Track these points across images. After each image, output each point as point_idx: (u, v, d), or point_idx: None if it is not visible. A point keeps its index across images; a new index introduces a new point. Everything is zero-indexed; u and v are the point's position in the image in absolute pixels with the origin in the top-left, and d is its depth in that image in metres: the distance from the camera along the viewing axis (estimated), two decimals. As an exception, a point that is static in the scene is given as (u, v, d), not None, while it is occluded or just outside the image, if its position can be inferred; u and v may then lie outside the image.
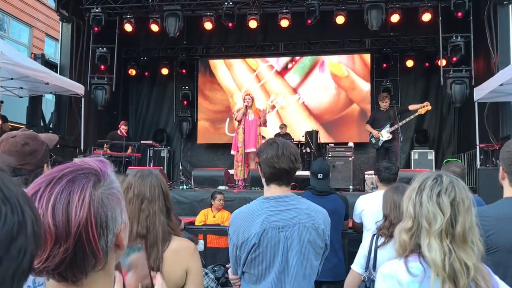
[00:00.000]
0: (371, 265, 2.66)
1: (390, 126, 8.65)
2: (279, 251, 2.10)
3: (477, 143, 8.83)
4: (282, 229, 2.11)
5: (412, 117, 8.86)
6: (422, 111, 8.60)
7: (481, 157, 8.79)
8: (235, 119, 8.69)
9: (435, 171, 1.65)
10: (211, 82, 13.01)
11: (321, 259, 2.22)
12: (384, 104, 8.94)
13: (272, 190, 2.22)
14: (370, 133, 8.98)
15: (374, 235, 2.76)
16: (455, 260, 1.46)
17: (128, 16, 11.05)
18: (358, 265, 2.73)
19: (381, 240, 2.68)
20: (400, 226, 1.64)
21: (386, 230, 2.66)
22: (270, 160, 2.16)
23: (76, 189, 0.84)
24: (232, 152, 8.69)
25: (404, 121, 8.77)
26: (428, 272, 1.50)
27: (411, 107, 8.88)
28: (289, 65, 12.67)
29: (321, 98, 12.39)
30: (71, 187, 0.84)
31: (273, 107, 12.41)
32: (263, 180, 2.27)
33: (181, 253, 1.87)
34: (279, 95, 12.59)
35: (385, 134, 8.70)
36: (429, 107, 8.66)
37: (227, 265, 2.42)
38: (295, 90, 12.57)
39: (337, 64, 12.42)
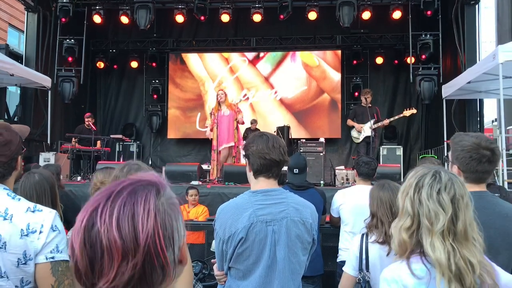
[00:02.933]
0: (364, 265, 2.58)
1: (374, 123, 8.65)
2: (266, 245, 2.06)
3: (445, 139, 9.04)
4: (270, 223, 2.08)
5: (396, 117, 8.95)
6: (407, 114, 8.76)
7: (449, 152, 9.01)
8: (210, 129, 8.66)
9: (430, 167, 1.61)
10: (182, 70, 12.86)
11: (308, 254, 2.20)
12: (365, 100, 8.79)
13: (260, 184, 2.19)
14: (352, 127, 9.03)
15: (363, 234, 2.68)
16: (460, 259, 1.43)
17: (97, 8, 10.79)
18: (350, 267, 2.64)
19: (373, 237, 2.62)
20: (397, 225, 1.59)
21: (375, 227, 2.62)
22: (261, 151, 2.14)
23: (139, 200, 0.79)
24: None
25: (390, 119, 8.87)
26: (433, 273, 1.46)
27: (387, 121, 8.87)
28: (261, 54, 12.66)
29: (293, 87, 12.44)
30: (134, 199, 0.79)
31: (247, 99, 12.37)
32: (249, 174, 2.23)
33: None
34: (252, 89, 12.56)
35: (367, 129, 8.74)
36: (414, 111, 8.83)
37: (212, 260, 2.37)
38: (267, 79, 12.55)
39: (308, 54, 12.48)
